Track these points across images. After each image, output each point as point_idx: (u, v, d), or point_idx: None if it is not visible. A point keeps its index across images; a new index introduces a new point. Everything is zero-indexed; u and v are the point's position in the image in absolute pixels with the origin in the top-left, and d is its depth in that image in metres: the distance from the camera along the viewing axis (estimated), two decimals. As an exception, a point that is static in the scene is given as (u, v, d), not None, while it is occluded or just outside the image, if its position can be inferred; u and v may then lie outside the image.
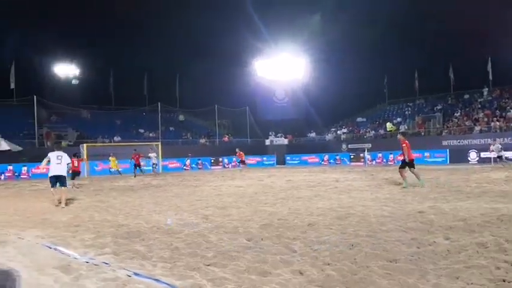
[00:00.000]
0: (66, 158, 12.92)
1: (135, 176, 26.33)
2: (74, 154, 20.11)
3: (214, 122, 46.96)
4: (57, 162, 12.55)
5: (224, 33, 47.93)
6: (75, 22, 47.46)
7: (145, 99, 49.09)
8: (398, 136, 15.49)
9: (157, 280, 4.73)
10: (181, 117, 51.09)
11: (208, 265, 5.29)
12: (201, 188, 17.50)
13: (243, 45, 49.32)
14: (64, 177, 12.71)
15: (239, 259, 5.51)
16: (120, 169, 28.02)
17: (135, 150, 28.57)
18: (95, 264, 5.46)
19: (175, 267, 5.24)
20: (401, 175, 14.60)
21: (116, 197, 14.70)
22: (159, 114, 43.52)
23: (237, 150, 31.06)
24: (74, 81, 48.94)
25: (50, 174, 12.63)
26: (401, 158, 15.19)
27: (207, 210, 10.33)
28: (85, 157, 29.91)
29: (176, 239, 6.94)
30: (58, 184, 12.51)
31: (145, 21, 50.34)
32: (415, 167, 14.78)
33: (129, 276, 4.93)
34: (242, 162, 30.76)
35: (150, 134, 43.48)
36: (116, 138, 40.36)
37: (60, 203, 12.19)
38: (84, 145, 31.86)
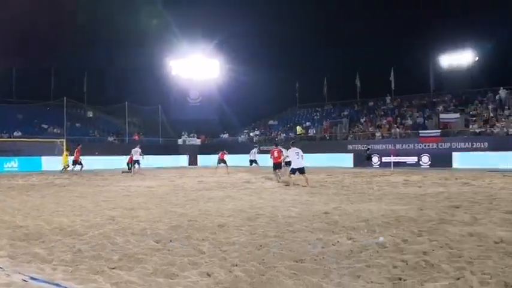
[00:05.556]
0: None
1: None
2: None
3: (125, 120, 45.62)
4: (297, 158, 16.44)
5: (136, 30, 46.80)
6: None
7: (51, 94, 46.50)
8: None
9: (56, 285, 4.47)
10: (89, 114, 49.02)
11: (113, 268, 5.10)
12: (108, 188, 16.87)
13: (157, 44, 48.57)
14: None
15: (146, 261, 5.37)
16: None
17: (79, 145, 28.17)
18: (-13, 270, 5.05)
19: (77, 271, 4.99)
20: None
21: (15, 196, 13.77)
22: (65, 110, 41.41)
23: (224, 151, 27.68)
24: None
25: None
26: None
27: (114, 211, 9.97)
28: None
29: (79, 241, 6.63)
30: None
31: (53, 15, 47.78)
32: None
33: (25, 281, 4.61)
34: (222, 161, 27.04)
35: (55, 130, 41.23)
36: (16, 134, 37.81)
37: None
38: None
